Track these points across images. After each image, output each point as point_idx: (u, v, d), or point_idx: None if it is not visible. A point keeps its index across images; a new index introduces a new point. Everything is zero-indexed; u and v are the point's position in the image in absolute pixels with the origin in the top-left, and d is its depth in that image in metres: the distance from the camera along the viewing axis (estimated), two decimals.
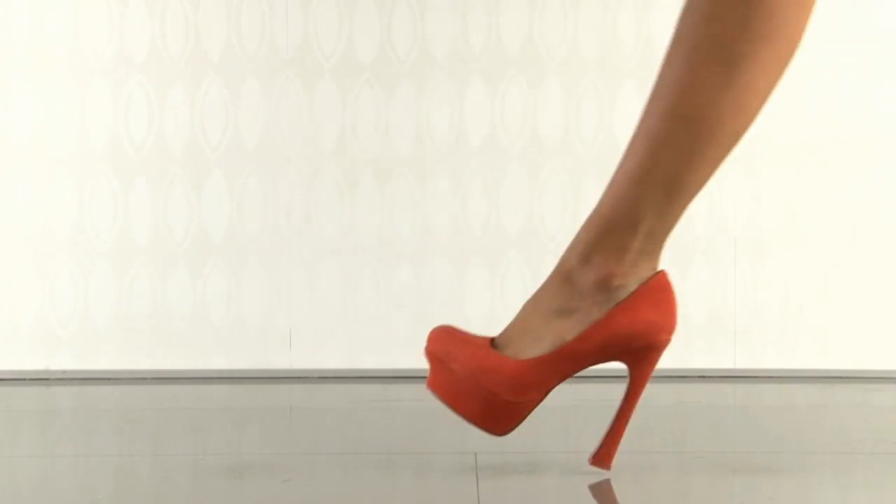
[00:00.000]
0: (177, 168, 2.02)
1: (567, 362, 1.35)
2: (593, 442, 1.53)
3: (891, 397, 1.90)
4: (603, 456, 1.38)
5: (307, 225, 2.02)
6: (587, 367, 1.37)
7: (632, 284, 1.36)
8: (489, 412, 1.34)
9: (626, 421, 1.38)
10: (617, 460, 1.43)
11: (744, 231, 2.06)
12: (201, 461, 1.46)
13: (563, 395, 1.78)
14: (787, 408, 1.80)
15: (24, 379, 2.01)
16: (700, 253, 2.03)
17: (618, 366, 2.05)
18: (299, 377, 2.03)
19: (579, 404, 1.75)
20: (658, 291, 1.36)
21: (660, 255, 1.37)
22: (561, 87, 2.05)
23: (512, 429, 1.36)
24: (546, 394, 1.36)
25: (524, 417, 1.36)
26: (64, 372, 2.02)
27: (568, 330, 1.35)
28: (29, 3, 2.01)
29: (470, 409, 1.35)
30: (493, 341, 1.37)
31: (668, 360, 2.05)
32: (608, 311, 1.35)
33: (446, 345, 1.37)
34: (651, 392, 1.96)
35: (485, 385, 1.34)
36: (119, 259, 2.02)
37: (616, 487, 1.34)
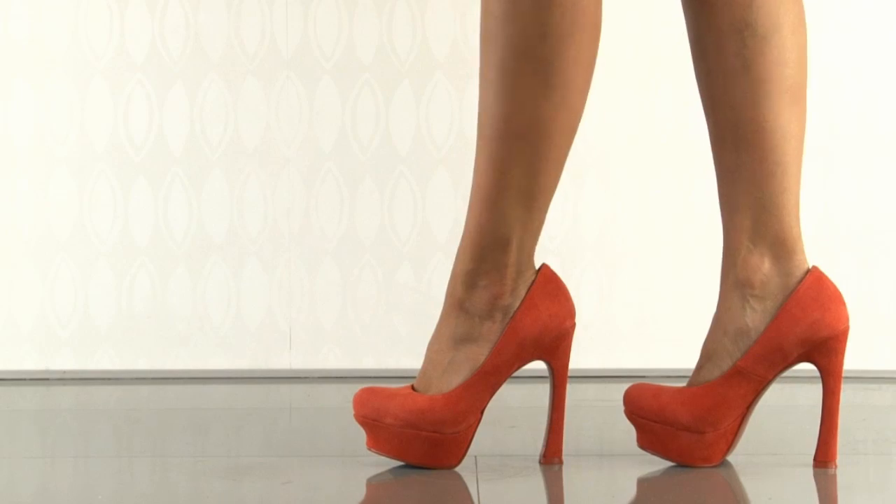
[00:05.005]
0: (177, 168, 2.02)
1: (490, 378, 1.40)
2: (593, 442, 1.53)
3: (891, 397, 1.90)
4: (553, 452, 1.41)
5: (307, 225, 2.02)
6: (511, 374, 1.41)
7: (521, 291, 1.39)
8: (436, 450, 1.39)
9: (563, 412, 1.41)
10: (617, 460, 1.43)
11: None
12: (201, 462, 1.46)
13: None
14: (787, 408, 1.80)
15: (24, 379, 2.01)
16: (700, 253, 2.03)
17: (617, 365, 2.06)
18: (299, 377, 2.03)
19: (579, 404, 1.75)
20: (547, 284, 1.41)
21: (534, 256, 1.41)
22: None
23: (463, 455, 1.40)
24: (482, 413, 1.40)
25: (470, 441, 1.40)
26: (64, 372, 2.02)
27: (479, 352, 1.40)
28: (29, 3, 2.01)
29: (418, 453, 1.39)
30: (413, 388, 1.41)
31: (669, 361, 2.06)
32: (510, 321, 1.38)
33: (373, 404, 1.41)
34: None
35: (424, 427, 1.37)
36: (119, 259, 2.02)
37: (616, 487, 1.34)
